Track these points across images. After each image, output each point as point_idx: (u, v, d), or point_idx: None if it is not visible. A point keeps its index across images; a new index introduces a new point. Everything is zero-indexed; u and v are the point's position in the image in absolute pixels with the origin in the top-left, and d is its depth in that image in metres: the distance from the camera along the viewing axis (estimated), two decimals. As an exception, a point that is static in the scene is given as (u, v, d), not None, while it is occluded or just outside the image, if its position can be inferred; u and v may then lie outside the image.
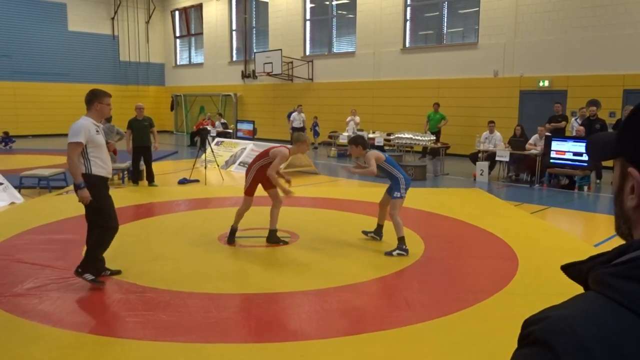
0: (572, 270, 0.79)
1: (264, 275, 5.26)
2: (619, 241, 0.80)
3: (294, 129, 16.83)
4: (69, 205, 7.78)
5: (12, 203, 8.44)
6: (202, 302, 4.42)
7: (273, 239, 6.25)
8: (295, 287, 4.90)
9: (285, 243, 6.25)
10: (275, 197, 6.19)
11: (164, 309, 4.25)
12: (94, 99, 4.78)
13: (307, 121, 18.06)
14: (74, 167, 4.59)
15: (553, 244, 6.37)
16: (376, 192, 10.01)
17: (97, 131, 4.76)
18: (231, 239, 6.25)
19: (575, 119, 11.43)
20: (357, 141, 6.13)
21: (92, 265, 4.78)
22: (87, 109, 4.80)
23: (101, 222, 4.77)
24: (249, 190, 6.18)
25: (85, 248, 4.88)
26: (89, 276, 4.74)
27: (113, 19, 25.60)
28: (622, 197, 0.77)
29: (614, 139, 0.80)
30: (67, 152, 4.60)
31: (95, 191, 4.66)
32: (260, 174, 6.04)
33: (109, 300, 4.46)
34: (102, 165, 4.75)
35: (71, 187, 4.84)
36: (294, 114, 17.79)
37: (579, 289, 0.77)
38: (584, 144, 10.32)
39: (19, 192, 9.02)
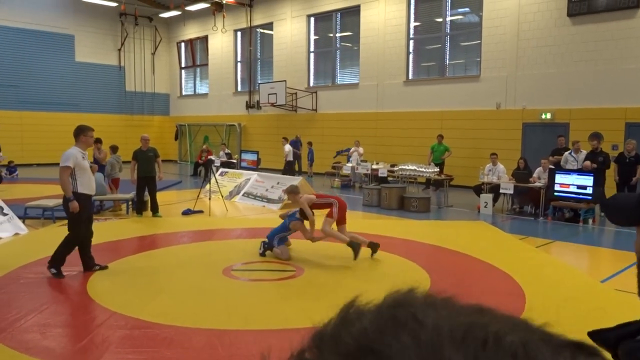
0: (598, 337, 0.79)
1: (271, 310, 5.21)
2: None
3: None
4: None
5: (16, 234, 8.44)
6: (208, 338, 4.38)
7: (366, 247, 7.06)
8: (302, 322, 4.85)
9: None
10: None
11: (168, 346, 4.21)
12: (80, 133, 6.14)
13: (364, 155, 16.40)
14: (65, 184, 5.95)
15: (560, 279, 6.31)
16: (382, 224, 9.99)
17: (83, 157, 6.10)
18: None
19: (570, 152, 11.42)
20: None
21: (58, 261, 5.99)
22: (76, 141, 6.16)
23: (72, 230, 6.09)
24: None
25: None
26: (53, 270, 5.97)
27: (120, 50, 26.02)
28: None
29: (633, 205, 0.80)
30: (59, 174, 5.98)
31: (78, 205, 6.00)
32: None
33: (114, 337, 4.40)
34: (85, 184, 6.09)
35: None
36: (353, 149, 16.40)
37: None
38: (587, 177, 10.33)
39: (23, 222, 9.03)
